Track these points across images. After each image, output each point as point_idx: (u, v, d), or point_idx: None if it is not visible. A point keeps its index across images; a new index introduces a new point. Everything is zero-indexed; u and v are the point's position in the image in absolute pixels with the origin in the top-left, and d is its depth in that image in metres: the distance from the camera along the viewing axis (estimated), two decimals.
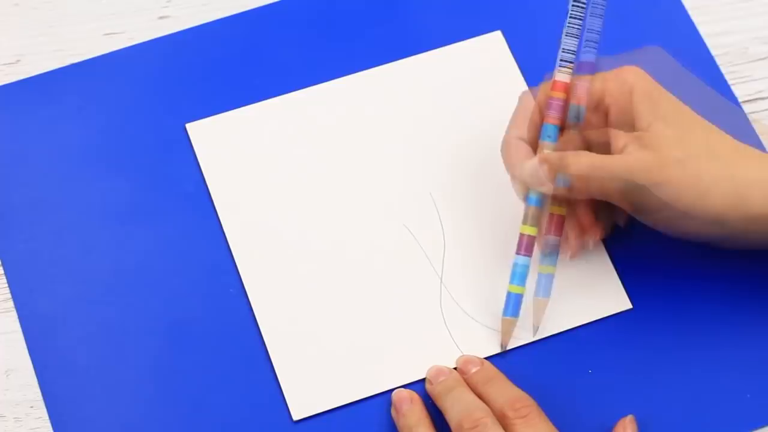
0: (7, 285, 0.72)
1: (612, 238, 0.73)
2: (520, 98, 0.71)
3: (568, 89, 0.70)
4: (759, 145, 0.75)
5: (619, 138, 0.67)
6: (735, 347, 0.71)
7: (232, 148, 0.75)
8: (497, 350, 0.71)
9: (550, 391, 0.70)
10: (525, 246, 0.70)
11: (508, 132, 0.71)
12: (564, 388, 0.70)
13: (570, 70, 0.70)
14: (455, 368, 0.70)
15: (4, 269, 0.73)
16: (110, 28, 0.79)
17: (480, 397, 0.68)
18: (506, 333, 0.71)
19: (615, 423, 0.69)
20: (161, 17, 0.79)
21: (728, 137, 0.68)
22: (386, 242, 0.73)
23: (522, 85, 0.77)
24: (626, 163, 0.66)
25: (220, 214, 0.74)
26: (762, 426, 0.70)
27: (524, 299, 0.71)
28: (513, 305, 0.71)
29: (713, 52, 0.78)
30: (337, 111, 0.76)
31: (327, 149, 0.75)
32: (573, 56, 0.70)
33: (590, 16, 0.70)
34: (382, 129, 0.76)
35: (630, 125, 0.68)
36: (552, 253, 0.71)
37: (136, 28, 0.78)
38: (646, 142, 0.66)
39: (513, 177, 0.70)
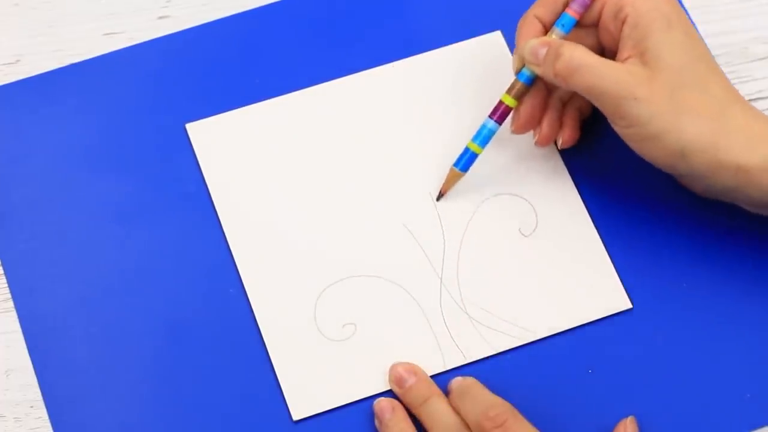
0: (7, 285, 0.72)
1: (612, 238, 0.73)
2: None
3: None
4: None
5: (625, 49, 0.68)
6: (735, 347, 0.71)
7: (232, 148, 0.75)
8: (497, 350, 0.71)
9: (550, 391, 0.70)
10: (499, 113, 0.72)
11: (531, 7, 0.72)
12: (564, 388, 0.70)
13: None
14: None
15: (4, 269, 0.73)
16: (110, 28, 0.79)
17: (455, 410, 0.68)
18: (448, 182, 0.73)
19: (615, 423, 0.69)
20: (161, 17, 0.79)
21: (727, 83, 0.68)
22: (386, 242, 0.73)
23: None
24: (616, 73, 0.67)
25: (220, 214, 0.74)
26: (762, 426, 0.70)
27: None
28: (466, 160, 0.73)
29: (713, 52, 0.78)
30: (337, 111, 0.76)
31: (327, 149, 0.75)
32: None
33: None
34: (382, 129, 0.76)
35: (641, 40, 0.67)
36: (487, 135, 0.72)
37: (135, 28, 0.78)
38: (647, 60, 0.67)
39: (516, 49, 0.71)
